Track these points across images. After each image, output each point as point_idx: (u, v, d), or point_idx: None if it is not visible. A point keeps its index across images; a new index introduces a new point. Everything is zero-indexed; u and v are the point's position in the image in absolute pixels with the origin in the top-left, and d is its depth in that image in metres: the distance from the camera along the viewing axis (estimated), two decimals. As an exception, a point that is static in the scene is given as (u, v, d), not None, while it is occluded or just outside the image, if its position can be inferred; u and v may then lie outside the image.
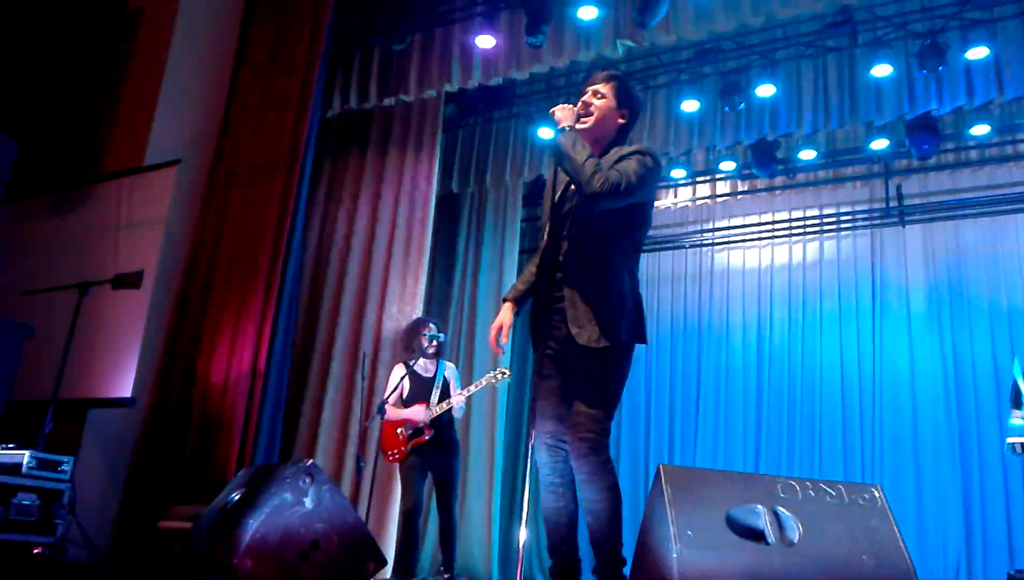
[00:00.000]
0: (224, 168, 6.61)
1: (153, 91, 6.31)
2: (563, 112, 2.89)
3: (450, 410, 4.93)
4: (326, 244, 6.92)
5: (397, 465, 5.06)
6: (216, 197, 6.55)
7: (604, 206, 2.78)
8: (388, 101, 6.76)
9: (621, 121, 3.01)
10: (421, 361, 5.09)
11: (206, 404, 5.93)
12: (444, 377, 5.09)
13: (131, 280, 5.24)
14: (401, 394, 5.07)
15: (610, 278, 2.83)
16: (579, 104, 2.98)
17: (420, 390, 5.03)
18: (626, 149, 2.90)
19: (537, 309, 2.89)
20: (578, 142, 2.80)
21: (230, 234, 6.36)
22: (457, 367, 5.89)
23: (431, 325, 5.18)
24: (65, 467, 4.71)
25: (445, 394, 5.02)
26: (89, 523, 5.08)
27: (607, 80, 3.00)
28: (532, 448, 2.86)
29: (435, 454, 4.92)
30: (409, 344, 5.18)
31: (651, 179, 2.86)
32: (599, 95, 2.98)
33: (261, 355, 5.89)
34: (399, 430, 4.94)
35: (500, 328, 2.98)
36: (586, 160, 2.74)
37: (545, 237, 2.93)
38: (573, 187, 2.89)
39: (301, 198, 6.35)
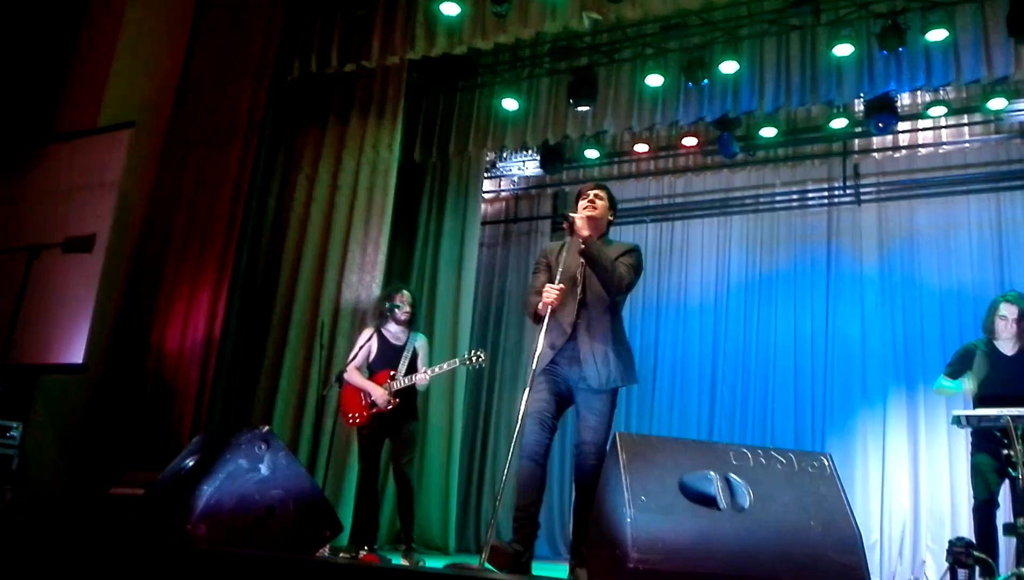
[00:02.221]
0: (180, 132, 6.48)
1: (108, 52, 6.15)
2: (582, 222, 3.60)
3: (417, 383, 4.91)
4: (284, 211, 6.81)
5: (355, 430, 5.06)
6: (172, 161, 6.42)
7: (618, 296, 3.71)
8: (350, 67, 6.65)
9: (611, 218, 3.92)
10: (392, 327, 5.07)
11: (160, 370, 5.86)
12: (414, 348, 5.06)
13: (83, 244, 5.14)
14: (368, 357, 5.04)
15: (617, 335, 3.68)
16: (589, 199, 3.82)
17: (388, 358, 5.00)
18: (624, 246, 3.79)
19: (550, 349, 3.62)
20: (603, 250, 3.65)
21: (186, 199, 6.25)
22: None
23: (405, 292, 5.15)
24: (14, 433, 4.64)
25: (413, 366, 4.99)
26: (39, 489, 5.00)
27: (601, 188, 3.91)
28: (521, 423, 3.37)
29: (394, 421, 4.90)
30: (380, 309, 5.11)
31: (641, 270, 3.81)
32: (600, 197, 3.84)
33: (217, 322, 5.83)
34: (363, 397, 4.92)
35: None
36: (612, 263, 3.62)
37: (555, 299, 3.60)
38: (582, 267, 3.68)
39: (259, 164, 6.25)
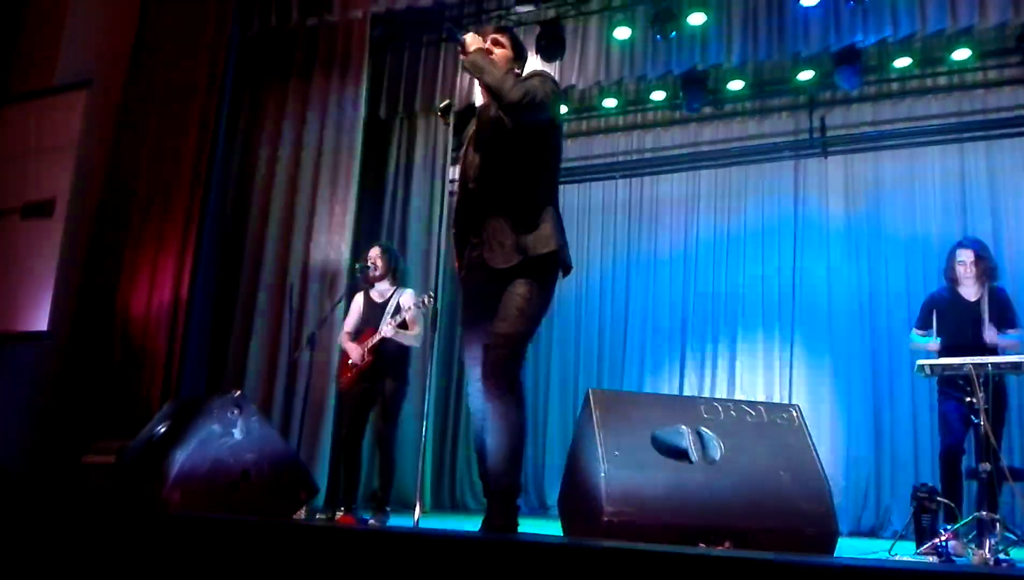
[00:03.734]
0: (139, 91, 6.31)
1: (61, 9, 5.95)
2: (475, 39, 3.02)
3: (396, 338, 4.88)
4: (248, 171, 6.69)
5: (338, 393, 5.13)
6: (131, 121, 6.27)
7: (522, 118, 2.89)
8: (311, 21, 6.50)
9: (516, 72, 3.09)
10: (379, 285, 5.07)
11: (127, 336, 5.79)
12: (398, 303, 5.01)
13: (42, 209, 5.03)
14: (357, 321, 5.06)
15: (527, 200, 2.93)
16: (488, 42, 3.09)
17: (371, 316, 5.00)
18: (533, 71, 3.07)
19: (460, 250, 3.05)
20: (494, 62, 2.96)
21: (147, 160, 6.12)
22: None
23: (374, 249, 5.14)
24: (-21, 403, 4.56)
25: (402, 322, 4.95)
26: (7, 458, 4.95)
27: (502, 31, 3.16)
28: (465, 393, 3.02)
29: (378, 381, 4.88)
30: (353, 275, 5.20)
31: (556, 98, 3.02)
32: (499, 44, 3.10)
33: (183, 285, 5.76)
34: (349, 360, 4.94)
35: None
36: (505, 73, 2.92)
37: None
38: (481, 127, 3.04)
39: (221, 122, 6.13)
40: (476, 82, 3.11)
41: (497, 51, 3.07)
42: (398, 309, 4.93)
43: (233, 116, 6.53)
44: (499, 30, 3.17)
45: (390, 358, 4.89)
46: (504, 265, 2.85)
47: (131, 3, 6.46)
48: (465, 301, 3.08)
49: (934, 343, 4.55)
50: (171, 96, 6.15)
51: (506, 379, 2.78)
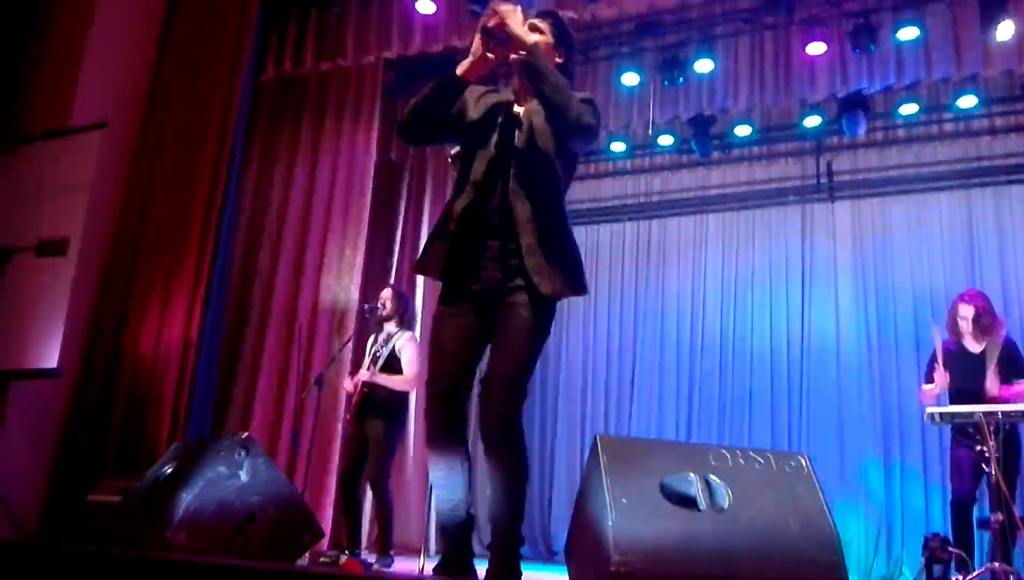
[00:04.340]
0: (153, 132, 6.40)
1: (78, 50, 6.06)
2: (514, 21, 2.48)
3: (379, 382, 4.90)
4: (260, 213, 6.75)
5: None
6: (145, 162, 6.35)
7: (574, 143, 2.55)
8: (325, 66, 6.62)
9: (558, 61, 2.67)
10: (385, 327, 5.10)
11: (135, 375, 5.80)
12: (395, 345, 5.02)
13: (56, 247, 5.08)
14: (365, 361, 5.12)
15: (565, 226, 2.58)
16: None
17: (372, 357, 5.04)
18: (579, 95, 2.59)
19: (461, 247, 2.58)
20: (554, 69, 2.50)
21: (160, 200, 6.19)
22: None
23: (385, 291, 5.20)
24: (-14, 440, 4.55)
25: (392, 362, 4.96)
26: (14, 498, 4.93)
27: (543, 16, 2.70)
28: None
29: (364, 421, 4.88)
30: (362, 315, 5.30)
31: (599, 123, 2.66)
32: (536, 29, 2.64)
33: (193, 326, 5.78)
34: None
35: None
36: (568, 87, 2.45)
37: (476, 169, 2.60)
38: (507, 108, 2.67)
39: (234, 164, 6.21)
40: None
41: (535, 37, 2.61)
42: (393, 352, 4.94)
43: (246, 158, 6.63)
44: (543, 15, 2.70)
45: (378, 401, 4.86)
46: (555, 296, 2.48)
47: (148, 46, 6.58)
48: (453, 298, 2.60)
49: (934, 386, 4.55)
50: (185, 138, 6.24)
51: (510, 429, 2.54)
